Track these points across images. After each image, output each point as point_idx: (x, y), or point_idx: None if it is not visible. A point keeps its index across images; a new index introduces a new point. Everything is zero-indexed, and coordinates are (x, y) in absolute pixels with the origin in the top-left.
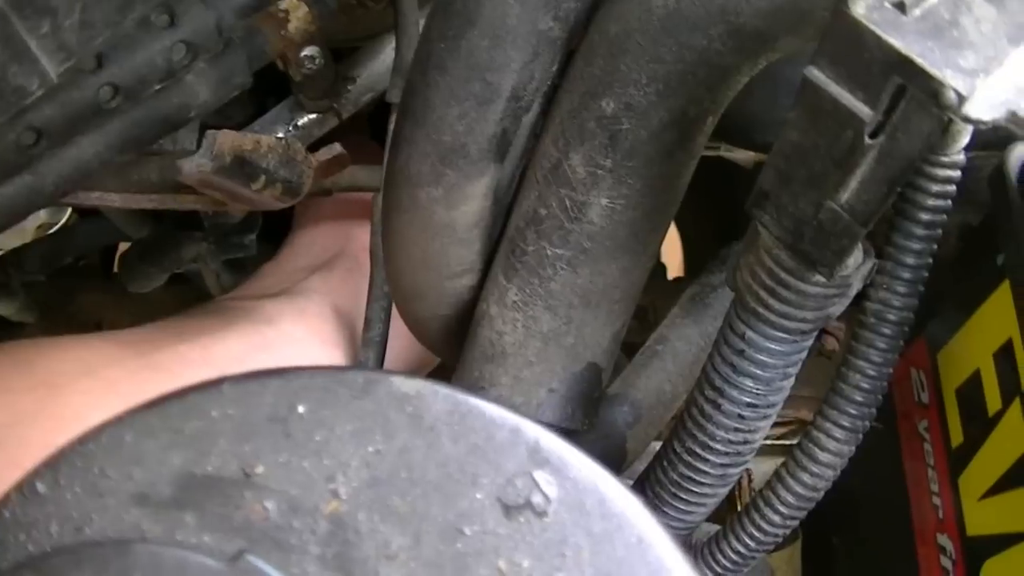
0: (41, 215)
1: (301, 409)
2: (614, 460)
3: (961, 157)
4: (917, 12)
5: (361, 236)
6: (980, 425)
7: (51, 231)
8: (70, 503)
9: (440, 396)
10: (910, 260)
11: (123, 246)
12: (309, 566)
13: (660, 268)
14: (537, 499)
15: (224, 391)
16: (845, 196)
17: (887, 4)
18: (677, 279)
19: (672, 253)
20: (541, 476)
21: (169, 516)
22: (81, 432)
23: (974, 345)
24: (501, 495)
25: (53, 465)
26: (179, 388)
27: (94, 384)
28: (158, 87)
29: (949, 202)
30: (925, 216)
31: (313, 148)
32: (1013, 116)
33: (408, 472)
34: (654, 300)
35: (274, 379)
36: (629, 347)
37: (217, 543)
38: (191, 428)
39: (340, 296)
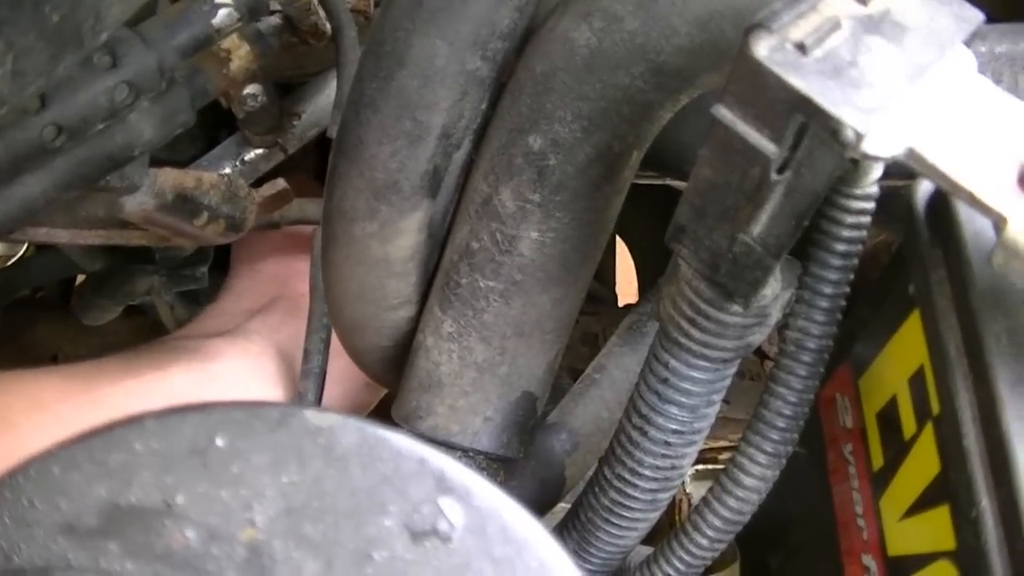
0: None
1: (219, 442)
2: (553, 487)
3: (874, 189)
4: (818, 53)
5: (298, 279)
6: (898, 448)
7: (7, 264)
8: (0, 533)
9: (350, 428)
10: (827, 289)
11: (81, 278)
12: None
13: (611, 296)
14: (443, 525)
15: (146, 425)
16: (756, 229)
17: (788, 45)
18: (628, 306)
19: (627, 281)
20: (446, 503)
21: (94, 545)
22: (11, 465)
23: (891, 370)
24: (408, 522)
25: None
26: (103, 423)
27: (45, 419)
28: (101, 126)
29: (864, 232)
30: (840, 247)
31: (260, 183)
32: (912, 153)
33: (320, 501)
34: (605, 327)
35: (193, 413)
36: (579, 374)
37: (139, 570)
38: (115, 461)
39: (280, 338)
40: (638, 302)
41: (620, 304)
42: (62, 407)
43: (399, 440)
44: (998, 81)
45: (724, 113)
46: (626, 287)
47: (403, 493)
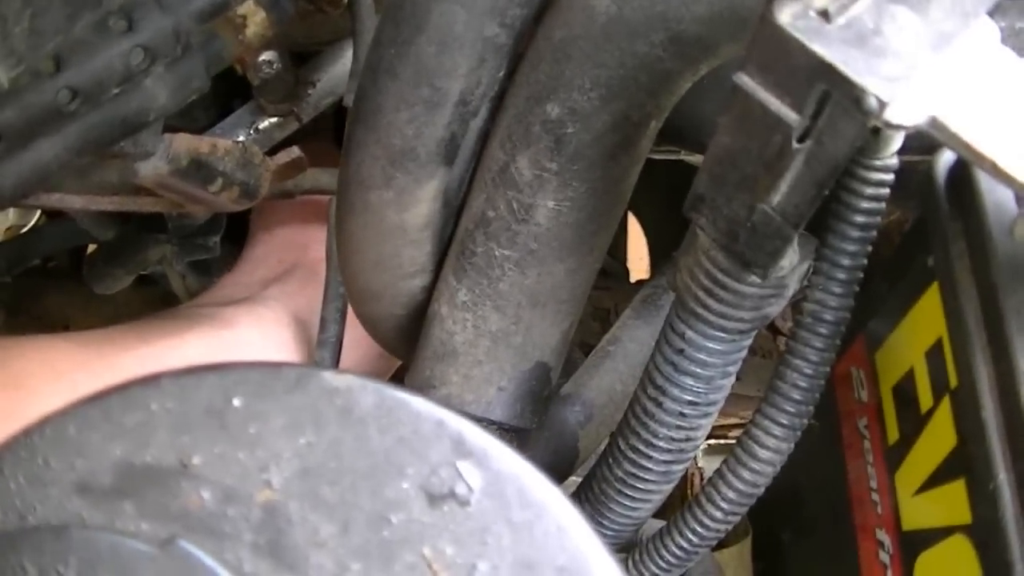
0: (10, 217)
1: (236, 403)
2: (567, 458)
3: (894, 161)
4: (841, 20)
5: (315, 246)
6: (914, 422)
7: (20, 232)
8: (14, 492)
9: (369, 390)
10: (845, 261)
11: (92, 247)
12: (242, 552)
13: (623, 271)
14: (460, 489)
15: (163, 385)
16: (776, 199)
17: (812, 12)
18: (640, 281)
19: (638, 256)
20: (464, 467)
21: (109, 504)
22: (26, 424)
23: (908, 344)
24: (426, 485)
25: None
26: (120, 382)
27: (60, 386)
28: (116, 91)
29: (883, 204)
30: (859, 218)
31: (274, 151)
32: (934, 122)
33: (337, 463)
34: (617, 302)
35: (211, 374)
36: (591, 350)
37: (154, 530)
38: (131, 420)
39: (297, 305)
40: (652, 275)
41: (632, 280)
42: (77, 374)
43: (417, 403)
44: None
45: (745, 80)
46: (637, 263)
47: (421, 456)
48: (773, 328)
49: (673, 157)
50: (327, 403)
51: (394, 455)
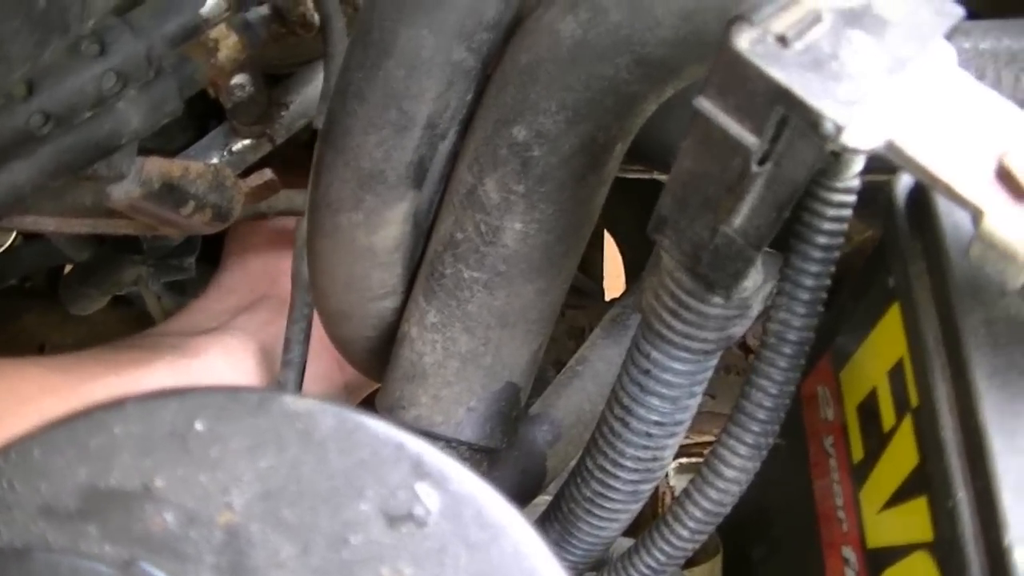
0: None
1: (199, 426)
2: (535, 477)
3: (855, 182)
4: (799, 45)
5: (286, 277)
6: (877, 441)
7: None
8: None
9: (329, 413)
10: (808, 282)
11: (68, 268)
12: (204, 574)
13: (598, 290)
14: (419, 510)
15: (127, 409)
16: (737, 221)
17: (770, 38)
18: (615, 300)
19: (614, 275)
20: (423, 488)
21: (73, 527)
22: None
23: (871, 363)
24: (384, 506)
25: None
26: (85, 406)
27: (26, 411)
28: (89, 114)
29: (845, 225)
30: (821, 239)
31: (248, 172)
32: (891, 145)
33: (298, 485)
34: (592, 321)
35: (174, 398)
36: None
37: (117, 552)
38: (95, 444)
39: (266, 335)
40: (622, 295)
41: (607, 299)
42: (44, 400)
43: (377, 425)
44: (981, 77)
45: (705, 105)
46: (614, 281)
47: (380, 478)
48: (744, 347)
49: (646, 176)
50: (288, 426)
51: (354, 477)
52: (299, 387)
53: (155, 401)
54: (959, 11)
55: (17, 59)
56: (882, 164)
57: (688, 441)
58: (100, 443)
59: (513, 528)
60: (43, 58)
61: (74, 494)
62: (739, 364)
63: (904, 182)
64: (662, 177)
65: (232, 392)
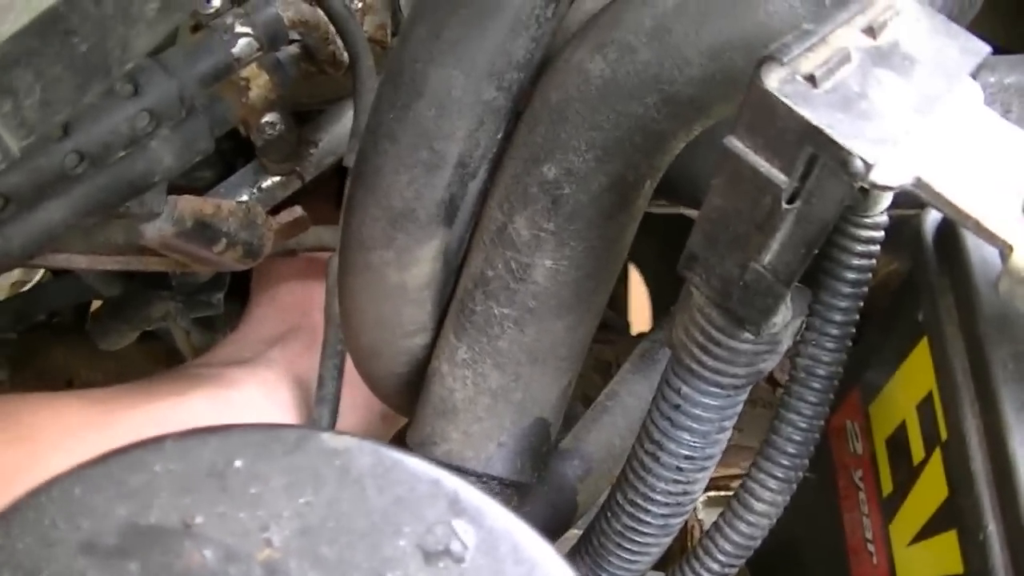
0: (15, 273)
1: (238, 464)
2: (566, 512)
3: (883, 218)
4: (828, 85)
5: (317, 308)
6: (907, 474)
7: (25, 288)
8: (22, 552)
9: (366, 450)
10: (837, 317)
11: (96, 303)
12: None
13: (624, 324)
14: (455, 546)
15: (166, 447)
16: (767, 258)
17: (799, 77)
18: (641, 334)
19: (640, 309)
20: (459, 525)
21: (114, 565)
22: (34, 485)
23: (900, 397)
24: (422, 543)
25: (7, 516)
26: (124, 445)
27: (69, 442)
28: (122, 153)
29: (874, 261)
30: (850, 275)
31: (277, 209)
32: (919, 182)
33: (336, 522)
34: (618, 356)
35: (212, 436)
36: (592, 402)
37: None
38: (135, 482)
39: (299, 367)
40: (651, 330)
41: (634, 332)
42: (85, 431)
43: (413, 462)
44: (1007, 111)
45: (735, 144)
46: (640, 315)
47: (417, 514)
48: (772, 380)
49: (672, 211)
50: (326, 463)
51: (391, 514)
52: (333, 424)
53: (194, 439)
54: (985, 49)
55: (59, 103)
56: (908, 199)
57: (716, 474)
58: (140, 481)
59: (547, 563)
60: (83, 101)
61: (114, 531)
62: (766, 397)
63: (932, 217)
64: (687, 211)
65: (270, 430)
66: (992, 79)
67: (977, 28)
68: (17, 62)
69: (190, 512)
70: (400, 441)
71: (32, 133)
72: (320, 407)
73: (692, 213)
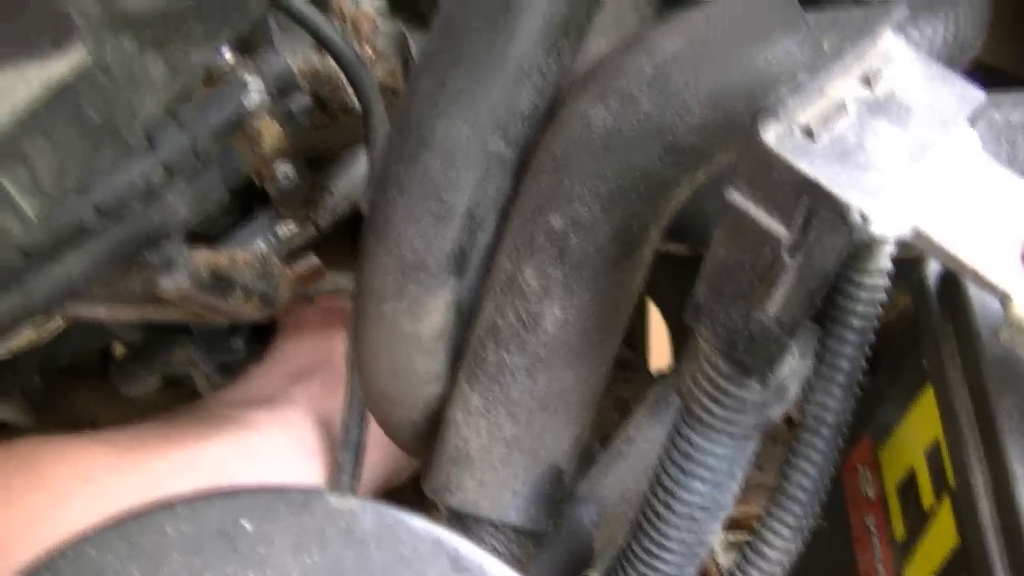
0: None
1: (246, 525)
2: (581, 557)
3: (888, 265)
4: (825, 138)
5: (340, 347)
6: (918, 520)
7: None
8: None
9: (369, 511)
10: (844, 364)
11: (118, 347)
12: None
13: (642, 362)
14: None
15: (177, 509)
16: (771, 308)
17: (796, 131)
18: (660, 373)
19: (660, 343)
20: None
21: None
22: (50, 547)
23: (909, 443)
24: None
25: None
26: (136, 507)
27: (90, 490)
28: (139, 207)
29: (879, 308)
30: (855, 322)
31: (293, 253)
32: (918, 233)
33: None
34: (636, 393)
35: (221, 497)
36: (609, 440)
37: None
38: (147, 543)
39: (322, 406)
40: (665, 374)
41: (652, 368)
42: (106, 475)
43: (415, 522)
44: (1013, 148)
45: (735, 196)
46: (660, 348)
47: (419, 573)
48: (788, 418)
49: (685, 253)
50: (331, 524)
51: (394, 573)
52: (357, 469)
53: (203, 501)
54: (980, 96)
55: (72, 169)
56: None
57: (736, 513)
58: (151, 542)
59: None
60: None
61: None
62: (783, 435)
63: (934, 265)
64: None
65: (277, 492)
66: (997, 116)
67: (983, 51)
68: (30, 132)
69: (200, 572)
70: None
71: (47, 199)
72: (344, 452)
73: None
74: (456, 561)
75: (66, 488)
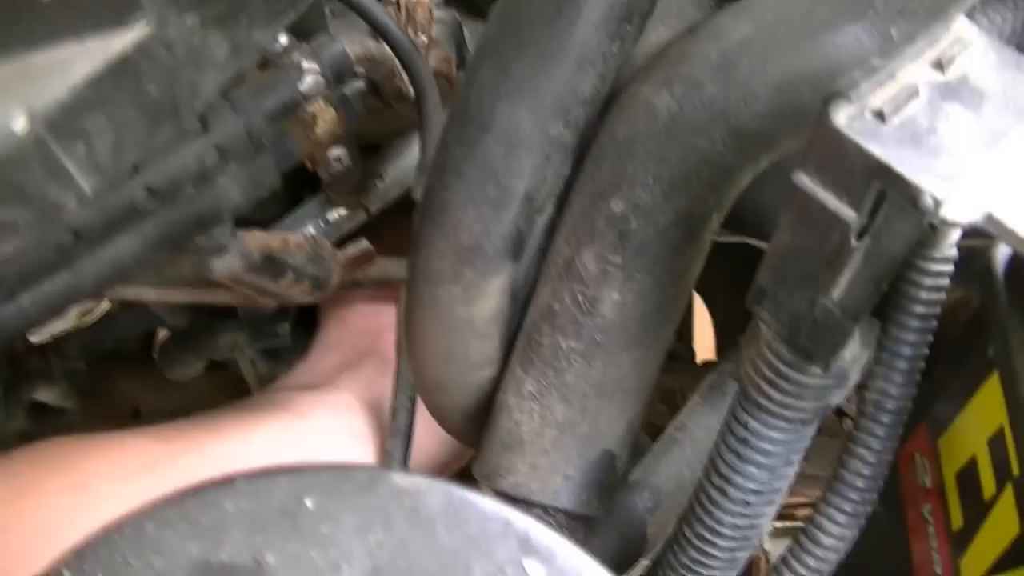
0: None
1: (309, 503)
2: (635, 544)
3: (953, 252)
4: (896, 120)
5: (388, 333)
6: (977, 509)
7: (92, 318)
8: None
9: (436, 490)
10: (906, 351)
11: (162, 332)
12: None
13: (689, 352)
14: None
15: (238, 486)
16: (836, 294)
17: (867, 114)
18: (706, 363)
19: (704, 337)
20: (530, 564)
21: None
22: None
23: (970, 431)
24: None
25: (79, 553)
26: (196, 483)
27: (126, 489)
28: (191, 190)
29: (943, 295)
30: (919, 309)
31: (343, 240)
32: (990, 218)
33: (406, 561)
34: (683, 384)
35: (284, 475)
36: (657, 431)
37: None
38: (207, 520)
39: (370, 393)
40: (718, 361)
41: (698, 360)
42: (144, 475)
43: (484, 502)
44: None
45: (804, 180)
46: (704, 341)
47: (488, 554)
48: (838, 409)
49: (736, 240)
50: (396, 503)
51: (461, 554)
52: (406, 456)
53: (265, 478)
54: None
55: (130, 146)
56: (978, 231)
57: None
58: (211, 519)
59: None
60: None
61: (186, 569)
62: (832, 426)
63: (1002, 252)
64: (752, 241)
65: (342, 470)
66: None
67: None
68: (90, 106)
69: (262, 550)
70: (466, 472)
71: (104, 175)
72: (394, 439)
73: (757, 243)
74: (525, 542)
75: (102, 490)
